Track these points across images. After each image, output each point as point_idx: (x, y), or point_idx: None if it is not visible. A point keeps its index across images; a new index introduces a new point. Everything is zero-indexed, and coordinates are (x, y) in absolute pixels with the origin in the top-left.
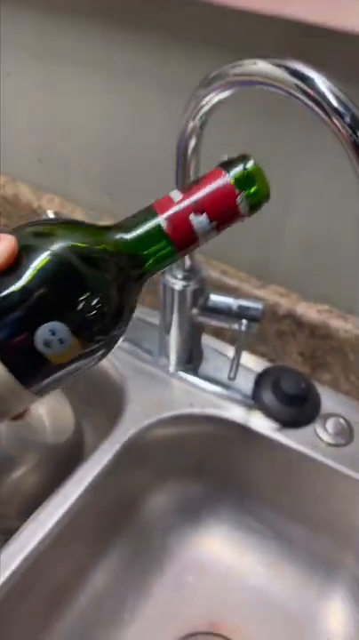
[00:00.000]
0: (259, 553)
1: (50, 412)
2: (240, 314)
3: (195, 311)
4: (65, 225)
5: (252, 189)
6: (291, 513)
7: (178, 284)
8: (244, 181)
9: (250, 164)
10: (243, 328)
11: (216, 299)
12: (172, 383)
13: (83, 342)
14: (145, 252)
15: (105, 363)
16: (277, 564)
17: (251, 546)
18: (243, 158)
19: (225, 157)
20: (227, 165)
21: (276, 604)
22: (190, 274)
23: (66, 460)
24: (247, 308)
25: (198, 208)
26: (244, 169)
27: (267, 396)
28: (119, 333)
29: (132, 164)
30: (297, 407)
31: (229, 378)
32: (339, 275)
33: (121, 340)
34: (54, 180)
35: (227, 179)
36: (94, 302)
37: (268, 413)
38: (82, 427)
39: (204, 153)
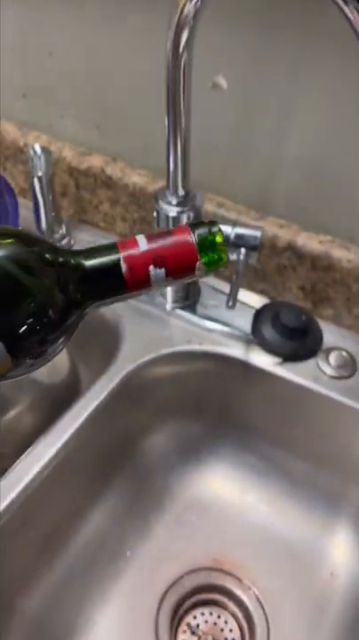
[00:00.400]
0: (260, 490)
1: None
2: (238, 242)
3: None
4: (22, 235)
5: (213, 256)
6: (293, 449)
7: (172, 211)
8: (207, 246)
9: (215, 230)
10: (242, 257)
11: None
12: (169, 321)
13: (16, 359)
14: (96, 284)
15: None
16: (279, 500)
17: (252, 483)
18: (211, 224)
19: (222, 82)
20: (195, 226)
21: (279, 539)
22: (185, 200)
23: (61, 399)
24: (245, 236)
25: (159, 262)
26: (210, 234)
27: (267, 331)
28: (54, 351)
29: (121, 94)
30: (298, 340)
31: (228, 306)
32: (341, 203)
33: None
34: (40, 116)
35: (191, 240)
36: (32, 322)
37: (269, 348)
38: (77, 367)
39: (197, 76)
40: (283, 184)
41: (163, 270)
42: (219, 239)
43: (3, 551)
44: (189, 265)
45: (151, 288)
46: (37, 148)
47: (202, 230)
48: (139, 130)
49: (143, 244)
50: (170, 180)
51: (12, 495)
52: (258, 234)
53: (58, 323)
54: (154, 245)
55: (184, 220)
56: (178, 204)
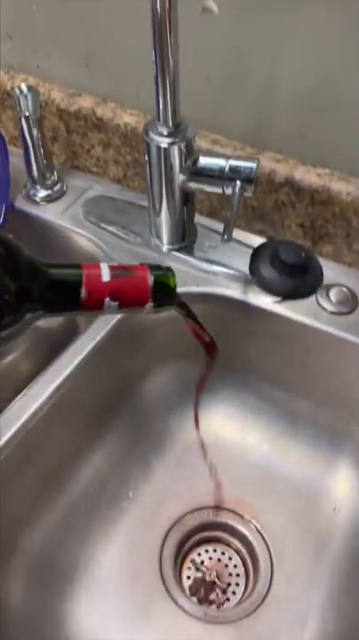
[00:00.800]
0: (262, 430)
1: None
2: (232, 175)
3: (183, 177)
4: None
5: (164, 300)
6: (294, 387)
7: (163, 142)
8: (160, 291)
9: (171, 278)
10: (237, 190)
11: (205, 160)
12: (165, 263)
13: None
14: (53, 296)
15: (92, 248)
16: (281, 439)
17: (253, 423)
18: (168, 270)
19: (212, 6)
20: (153, 269)
21: (282, 478)
22: (176, 131)
23: (58, 344)
24: (240, 168)
25: (115, 296)
26: (166, 278)
27: (266, 270)
28: None
29: (109, 30)
30: (297, 278)
31: (223, 240)
32: (340, 134)
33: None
34: (27, 57)
35: (149, 282)
36: None
37: (267, 287)
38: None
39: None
40: (279, 116)
41: (116, 303)
42: (172, 284)
43: (4, 489)
44: (140, 303)
45: (100, 313)
46: (24, 87)
47: (159, 273)
48: (130, 67)
49: (106, 275)
50: (160, 110)
51: (9, 433)
52: (253, 165)
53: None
54: (115, 280)
55: (176, 152)
56: (169, 135)
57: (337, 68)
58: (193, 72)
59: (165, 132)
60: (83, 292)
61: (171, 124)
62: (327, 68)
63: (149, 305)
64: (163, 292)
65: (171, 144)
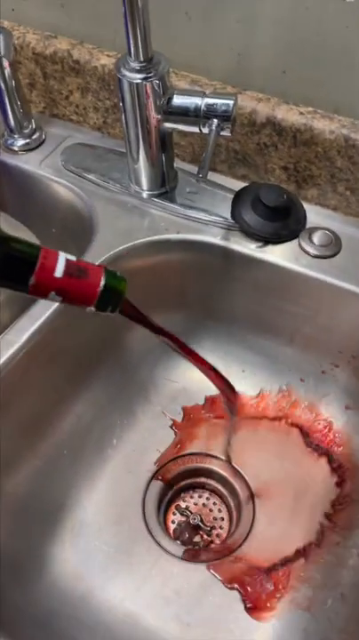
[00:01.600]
0: (247, 379)
1: None
2: (209, 113)
3: (158, 116)
4: None
5: (107, 305)
6: (277, 334)
7: (135, 78)
8: (107, 297)
9: (122, 286)
10: (214, 128)
11: (181, 99)
12: (145, 210)
13: None
14: (0, 272)
15: (72, 197)
16: (266, 387)
17: (239, 373)
18: (122, 279)
19: None
20: (108, 275)
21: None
22: (149, 66)
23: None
24: (216, 105)
25: (61, 293)
26: (117, 289)
27: (247, 214)
28: None
29: None
30: (279, 221)
31: (198, 178)
32: (324, 69)
33: None
34: (1, 0)
35: (99, 289)
36: None
37: (249, 232)
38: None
39: None
40: (260, 53)
41: (60, 298)
42: (123, 294)
43: None
44: (84, 304)
45: (47, 299)
46: None
47: (111, 284)
48: (106, 6)
49: (60, 270)
50: (130, 43)
51: None
52: (230, 101)
53: None
54: (66, 278)
55: (149, 89)
56: (141, 70)
57: (319, 1)
58: (169, 7)
59: (137, 67)
60: (32, 280)
61: (142, 57)
62: (309, 1)
63: (90, 309)
64: (109, 299)
65: (143, 79)
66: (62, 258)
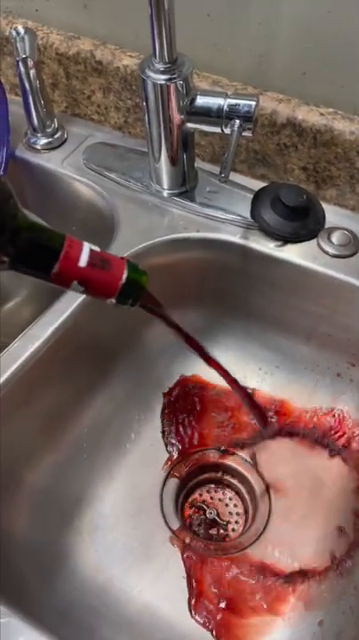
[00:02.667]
0: (264, 377)
1: None
2: (231, 113)
3: (181, 116)
4: None
5: (128, 298)
6: (295, 333)
7: (160, 79)
8: (129, 290)
9: (144, 280)
10: (236, 128)
11: (204, 99)
12: (166, 209)
13: None
14: (25, 256)
15: (93, 195)
16: (283, 385)
17: (255, 370)
18: (143, 273)
19: None
20: (131, 268)
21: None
22: (173, 67)
23: (59, 291)
24: (239, 105)
25: (83, 283)
26: (138, 282)
27: (267, 213)
28: None
29: None
30: (298, 221)
31: (220, 179)
32: (344, 71)
33: None
34: (25, 1)
35: (121, 281)
36: None
37: (269, 231)
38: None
39: None
40: (281, 54)
41: (82, 288)
42: (144, 287)
43: (5, 427)
44: (105, 296)
45: (64, 288)
46: (20, 29)
47: (134, 276)
48: (129, 7)
49: (84, 260)
50: (155, 45)
51: (8, 372)
52: (253, 102)
53: None
54: (89, 268)
55: (172, 89)
56: (165, 71)
57: (338, 3)
58: (191, 8)
59: (162, 68)
60: (56, 268)
61: (167, 59)
62: (328, 3)
63: (111, 300)
64: (131, 292)
65: (167, 80)
66: (87, 248)
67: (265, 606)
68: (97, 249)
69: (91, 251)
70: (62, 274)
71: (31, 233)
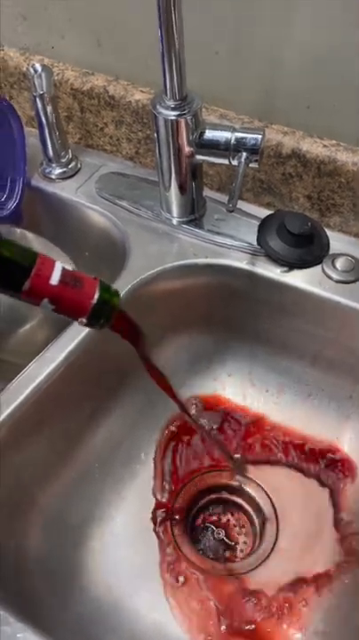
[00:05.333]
0: (270, 400)
1: None
2: (238, 146)
3: (191, 149)
4: None
5: (99, 319)
6: (300, 357)
7: (170, 115)
8: (99, 311)
9: (115, 301)
10: (243, 160)
11: (212, 133)
12: (175, 236)
13: None
14: None
15: (105, 223)
16: (289, 408)
17: (261, 393)
18: (115, 293)
19: None
20: (103, 288)
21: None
22: (183, 104)
23: None
24: (246, 139)
25: (54, 301)
26: (110, 303)
27: (273, 240)
28: None
29: (119, 5)
30: (303, 247)
31: (228, 209)
32: (347, 105)
33: None
34: (41, 38)
35: (92, 302)
36: None
37: (275, 257)
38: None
39: None
40: (285, 89)
41: (52, 307)
42: (115, 309)
43: (20, 448)
44: (76, 315)
45: (34, 305)
46: (37, 66)
47: (106, 296)
48: (141, 45)
49: (55, 278)
50: (166, 84)
51: (25, 393)
52: (259, 136)
53: None
54: (61, 287)
55: (182, 124)
56: (175, 108)
57: (342, 40)
58: (200, 47)
59: (172, 105)
60: (27, 285)
61: (177, 96)
62: (332, 40)
63: (81, 320)
64: (101, 313)
65: (178, 116)
66: (59, 266)
67: (269, 630)
68: (69, 268)
69: (64, 269)
70: (33, 291)
71: (3, 249)
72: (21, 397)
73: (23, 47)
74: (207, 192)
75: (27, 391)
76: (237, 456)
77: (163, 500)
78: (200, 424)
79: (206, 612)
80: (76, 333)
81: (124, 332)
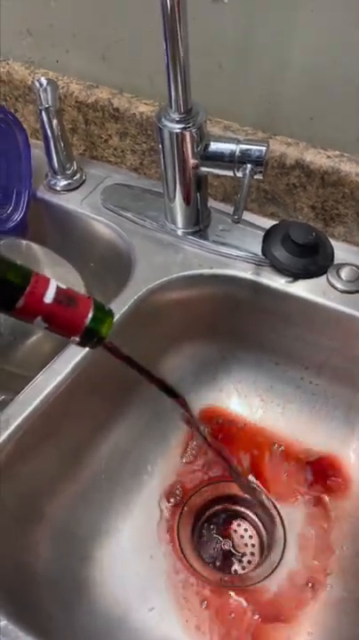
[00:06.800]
0: (277, 409)
1: (60, 281)
2: (243, 158)
3: (195, 161)
4: None
5: (92, 338)
6: (307, 366)
7: (175, 128)
8: (94, 329)
9: (109, 321)
10: (248, 172)
11: (217, 145)
12: (181, 247)
13: None
14: None
15: (110, 234)
16: (296, 417)
17: (268, 403)
18: (109, 313)
19: None
20: (97, 308)
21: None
22: (188, 117)
23: None
24: (250, 151)
25: (47, 319)
26: (105, 323)
27: (277, 250)
28: None
29: (123, 19)
30: (308, 257)
31: (234, 220)
32: (350, 116)
33: None
34: (46, 52)
35: (85, 321)
36: None
37: (279, 267)
38: (92, 295)
39: None
40: (289, 101)
41: (45, 325)
42: (104, 332)
43: (28, 460)
44: (69, 334)
45: (27, 322)
46: (43, 80)
47: (100, 316)
48: (144, 58)
49: (49, 297)
50: (171, 97)
51: (32, 405)
52: (263, 148)
53: None
54: (55, 305)
55: (187, 137)
56: (180, 121)
57: (344, 52)
58: (204, 60)
59: (177, 118)
60: (21, 302)
61: (182, 109)
62: (335, 51)
63: (74, 339)
64: (95, 333)
65: (182, 129)
66: (53, 284)
67: None
68: (64, 286)
69: (58, 287)
70: (27, 309)
71: None
72: (29, 409)
73: (28, 61)
74: (212, 203)
75: (36, 403)
76: (242, 469)
77: (170, 511)
78: (206, 436)
79: (214, 623)
80: None
81: (115, 351)
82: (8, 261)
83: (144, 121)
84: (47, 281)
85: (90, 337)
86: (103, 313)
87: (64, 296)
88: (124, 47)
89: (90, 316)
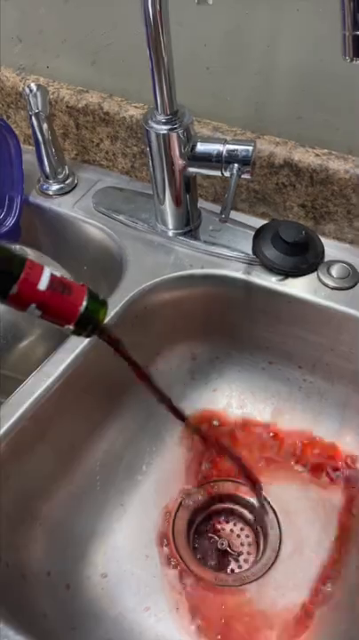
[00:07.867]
0: (270, 408)
1: None
2: (230, 158)
3: (183, 162)
4: None
5: (86, 326)
6: (299, 364)
7: (162, 129)
8: (86, 321)
9: (103, 310)
10: (235, 172)
11: (204, 146)
12: (171, 248)
13: None
14: None
15: (103, 236)
16: (290, 415)
17: (261, 402)
18: (103, 303)
19: None
20: (91, 296)
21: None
22: (174, 118)
23: None
24: (237, 151)
25: (41, 307)
26: (98, 311)
27: (268, 249)
28: None
29: (112, 24)
30: (298, 256)
31: (221, 219)
32: (337, 114)
33: None
34: (37, 58)
35: (79, 309)
36: None
37: (270, 265)
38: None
39: None
40: (276, 101)
41: (39, 312)
42: (102, 320)
43: (20, 461)
44: (63, 322)
45: (20, 311)
46: (33, 86)
47: (94, 304)
48: (133, 63)
49: (43, 284)
50: (157, 99)
51: (23, 408)
52: (250, 147)
53: None
54: (49, 292)
55: (174, 138)
56: (167, 122)
57: (330, 50)
58: (191, 63)
59: (163, 120)
60: (15, 289)
61: (168, 111)
62: (321, 52)
63: (68, 327)
64: (89, 321)
65: (169, 130)
66: (47, 272)
67: None
68: (58, 274)
69: (52, 275)
70: (21, 296)
71: None
72: (20, 411)
73: (19, 67)
74: (202, 203)
75: (26, 405)
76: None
77: (165, 511)
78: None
79: (211, 624)
80: (73, 348)
81: (110, 340)
82: (1, 248)
83: (134, 124)
84: (41, 268)
85: (84, 325)
86: (97, 301)
87: (58, 283)
88: (114, 52)
89: (84, 303)
